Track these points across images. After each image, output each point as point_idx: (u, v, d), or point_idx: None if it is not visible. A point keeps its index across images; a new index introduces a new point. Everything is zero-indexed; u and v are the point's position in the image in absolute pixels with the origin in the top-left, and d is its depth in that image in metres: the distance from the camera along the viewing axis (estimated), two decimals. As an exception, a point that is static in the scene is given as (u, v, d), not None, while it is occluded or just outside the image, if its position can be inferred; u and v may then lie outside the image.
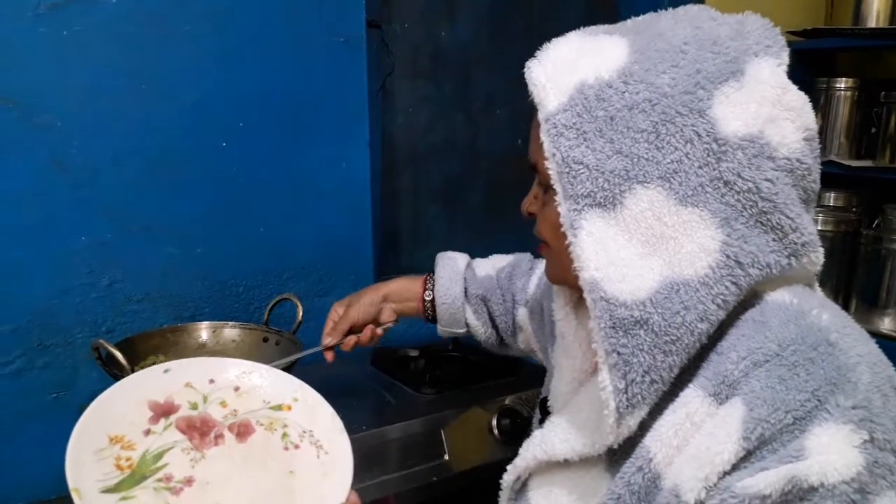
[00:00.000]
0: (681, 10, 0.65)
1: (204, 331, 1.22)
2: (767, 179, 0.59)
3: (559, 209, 0.62)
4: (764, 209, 0.59)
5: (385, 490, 1.03)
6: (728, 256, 0.59)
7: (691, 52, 0.60)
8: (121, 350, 0.98)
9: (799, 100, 0.61)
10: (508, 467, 0.75)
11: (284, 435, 0.70)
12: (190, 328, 1.21)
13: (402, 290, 1.06)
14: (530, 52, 0.66)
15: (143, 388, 0.68)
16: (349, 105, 1.37)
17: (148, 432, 0.66)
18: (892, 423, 0.54)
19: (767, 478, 0.53)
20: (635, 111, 0.59)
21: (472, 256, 1.09)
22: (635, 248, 0.59)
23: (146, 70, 1.16)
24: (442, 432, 1.10)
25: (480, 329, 1.04)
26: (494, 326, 1.05)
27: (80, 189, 1.13)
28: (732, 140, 0.58)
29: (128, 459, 0.63)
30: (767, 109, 0.59)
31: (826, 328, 0.57)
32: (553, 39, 0.67)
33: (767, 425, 0.54)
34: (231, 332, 1.23)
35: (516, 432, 1.13)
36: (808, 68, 1.92)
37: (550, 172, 0.62)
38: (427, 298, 1.05)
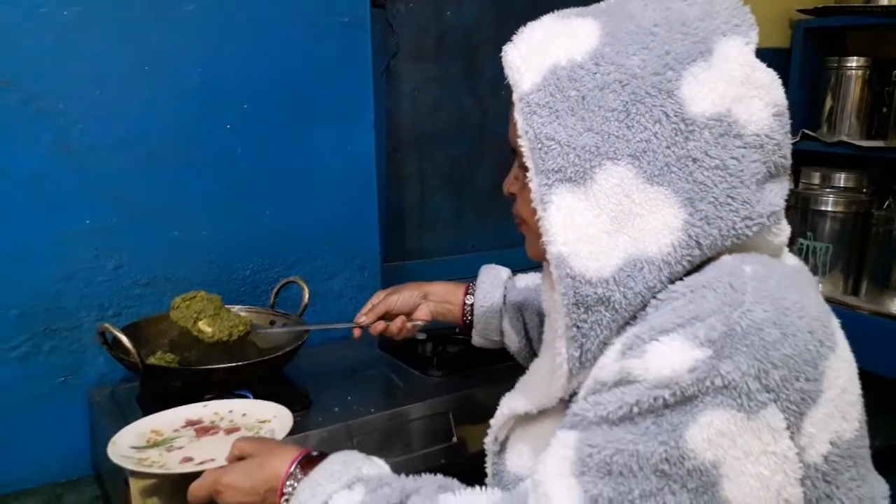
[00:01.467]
0: None
1: (210, 314, 1.22)
2: (734, 157, 0.60)
3: (530, 185, 0.64)
4: (732, 184, 0.61)
5: (395, 471, 1.02)
6: (690, 236, 0.61)
7: (661, 33, 0.62)
8: (127, 334, 0.98)
9: (767, 76, 0.63)
10: (487, 430, 0.81)
11: (258, 432, 0.94)
12: (196, 312, 1.21)
13: (445, 291, 1.12)
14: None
15: (188, 411, 0.99)
16: (354, 87, 1.36)
17: (175, 430, 0.95)
18: (780, 358, 0.55)
19: (610, 368, 0.60)
20: (606, 91, 0.61)
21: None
22: (603, 224, 0.61)
23: (149, 52, 1.15)
24: (450, 415, 1.10)
25: (514, 338, 1.07)
26: (528, 338, 1.07)
27: (84, 173, 1.12)
28: (700, 120, 0.60)
29: (154, 438, 0.93)
30: (735, 88, 0.60)
31: (739, 275, 0.59)
32: (529, 23, 0.69)
33: (639, 340, 0.59)
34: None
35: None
36: (818, 47, 1.89)
37: (523, 149, 0.64)
38: (468, 303, 1.10)
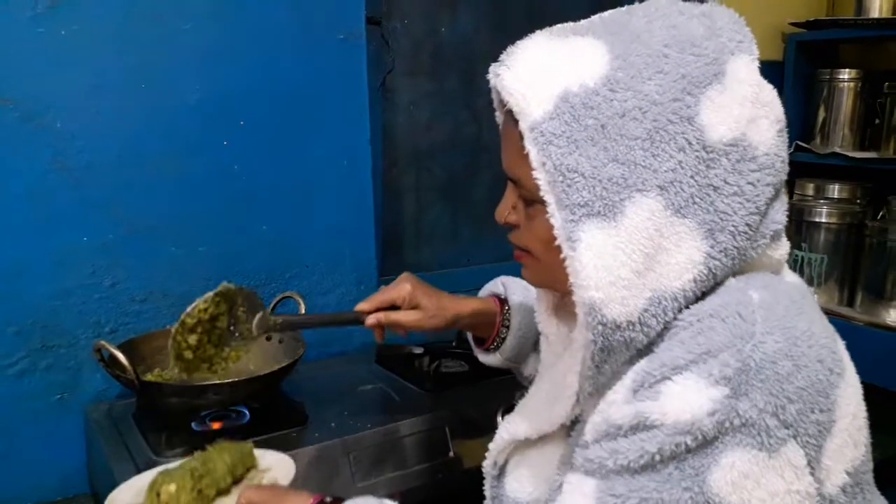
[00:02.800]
0: (649, 3, 0.64)
1: (207, 330, 1.22)
2: (749, 182, 0.60)
3: (552, 221, 0.60)
4: (749, 210, 0.60)
5: (391, 487, 1.02)
6: (710, 269, 0.59)
7: (672, 55, 0.59)
8: (123, 351, 0.98)
9: (770, 94, 0.62)
10: (486, 454, 0.79)
11: (260, 481, 0.86)
12: (193, 328, 1.21)
13: (477, 319, 0.96)
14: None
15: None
16: (350, 102, 1.37)
17: None
18: (795, 392, 0.54)
19: (623, 411, 0.58)
20: (626, 119, 0.58)
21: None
22: (635, 262, 0.58)
23: (146, 69, 1.16)
24: (447, 429, 1.10)
25: (535, 365, 0.95)
26: None
27: (81, 189, 1.12)
28: (719, 147, 0.58)
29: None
30: (748, 110, 0.59)
31: (747, 303, 0.58)
32: (518, 42, 0.65)
33: (649, 377, 0.57)
34: (234, 331, 1.23)
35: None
36: (810, 60, 1.90)
37: (540, 182, 0.60)
38: (502, 335, 0.96)
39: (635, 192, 0.58)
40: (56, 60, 1.09)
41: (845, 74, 1.83)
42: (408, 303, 0.92)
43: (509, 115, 0.63)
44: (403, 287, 0.93)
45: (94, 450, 1.10)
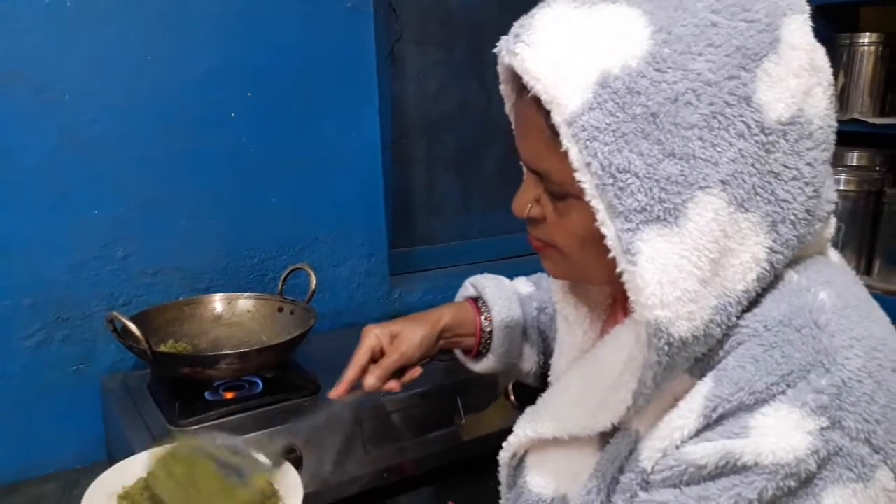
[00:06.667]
0: None
1: (219, 302, 1.23)
2: (808, 163, 0.54)
3: (604, 230, 0.53)
4: (808, 195, 0.54)
5: (402, 456, 1.04)
6: (772, 265, 0.54)
7: (722, 23, 0.51)
8: (136, 323, 0.99)
9: (823, 56, 0.55)
10: (504, 444, 0.75)
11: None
12: (205, 300, 1.22)
13: (457, 322, 0.91)
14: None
15: None
16: (358, 73, 1.35)
17: None
18: (880, 411, 0.51)
19: (706, 449, 0.52)
20: (679, 104, 0.50)
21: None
22: (701, 272, 0.51)
23: (153, 41, 1.15)
24: (458, 399, 1.10)
25: (533, 358, 0.94)
26: (543, 352, 0.95)
27: (92, 163, 1.13)
28: (777, 128, 0.52)
29: None
30: (804, 80, 0.53)
31: (819, 308, 0.53)
32: (534, 13, 0.56)
33: (727, 404, 0.52)
34: (246, 303, 1.24)
35: (532, 398, 1.13)
36: (830, 24, 1.85)
37: (585, 186, 0.52)
38: (486, 329, 0.91)
39: (697, 189, 0.51)
40: (63, 33, 1.08)
41: (866, 38, 1.78)
42: (384, 342, 0.86)
43: (534, 101, 0.54)
44: (367, 333, 0.87)
45: (110, 419, 1.12)
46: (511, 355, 0.93)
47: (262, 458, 0.80)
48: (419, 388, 1.09)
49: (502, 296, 0.92)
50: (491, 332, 0.91)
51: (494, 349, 0.91)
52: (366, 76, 1.36)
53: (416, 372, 0.89)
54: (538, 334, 0.95)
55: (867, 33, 1.78)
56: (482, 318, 0.92)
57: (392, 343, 0.87)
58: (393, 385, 0.86)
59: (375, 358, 0.87)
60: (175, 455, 0.76)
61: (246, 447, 0.80)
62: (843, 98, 1.84)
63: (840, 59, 1.82)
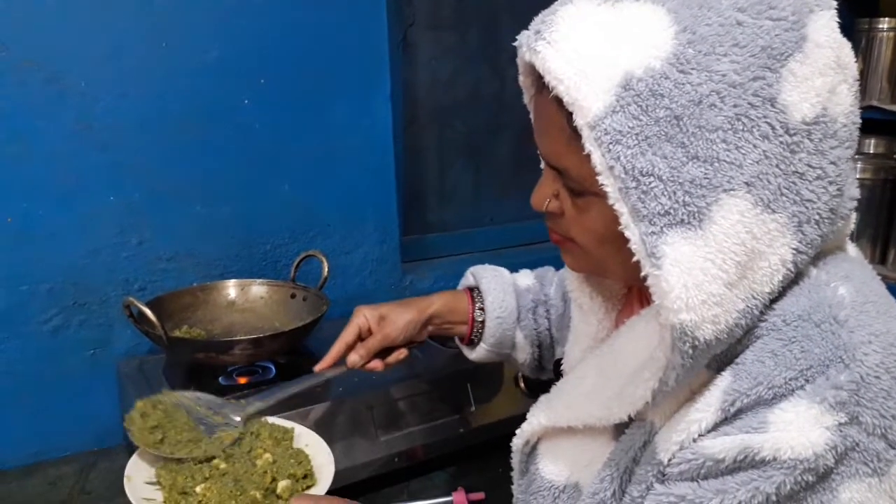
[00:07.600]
0: None
1: (232, 288, 1.24)
2: (832, 162, 0.53)
3: (627, 234, 0.53)
4: (832, 194, 0.54)
5: (412, 441, 1.05)
6: (796, 265, 0.54)
7: (748, 22, 0.50)
8: (151, 308, 1.00)
9: (849, 53, 0.54)
10: (517, 431, 0.76)
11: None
12: (219, 286, 1.24)
13: (448, 310, 0.94)
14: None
15: None
16: (370, 58, 1.35)
17: None
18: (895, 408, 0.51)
19: (724, 443, 0.52)
20: (703, 107, 0.50)
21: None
22: (727, 275, 0.51)
23: (165, 28, 1.16)
24: (468, 385, 1.11)
25: (527, 350, 0.96)
26: (538, 344, 0.97)
27: (107, 150, 1.14)
28: (801, 128, 0.51)
29: None
30: (830, 79, 0.52)
31: (839, 304, 0.54)
32: (556, 9, 0.55)
33: (746, 398, 0.52)
34: (259, 289, 1.25)
35: (541, 386, 1.14)
36: (848, 9, 1.82)
37: (608, 189, 0.52)
38: (478, 318, 0.94)
39: (721, 192, 0.50)
40: (78, 21, 1.09)
41: (885, 24, 1.75)
42: (372, 322, 0.90)
43: (555, 100, 0.54)
44: (357, 313, 0.91)
45: (126, 403, 1.13)
46: (503, 346, 0.95)
47: (235, 417, 0.85)
48: (430, 375, 1.10)
49: (498, 287, 0.94)
50: (483, 322, 0.94)
51: (486, 339, 0.94)
52: (378, 62, 1.36)
53: (402, 354, 0.92)
54: (533, 327, 0.96)
55: (886, 18, 1.76)
56: (476, 307, 0.94)
57: (379, 324, 0.91)
58: (376, 364, 0.90)
59: (363, 336, 0.91)
60: (156, 403, 0.84)
61: (222, 406, 0.87)
62: (860, 84, 1.81)
63: (858, 44, 1.80)
